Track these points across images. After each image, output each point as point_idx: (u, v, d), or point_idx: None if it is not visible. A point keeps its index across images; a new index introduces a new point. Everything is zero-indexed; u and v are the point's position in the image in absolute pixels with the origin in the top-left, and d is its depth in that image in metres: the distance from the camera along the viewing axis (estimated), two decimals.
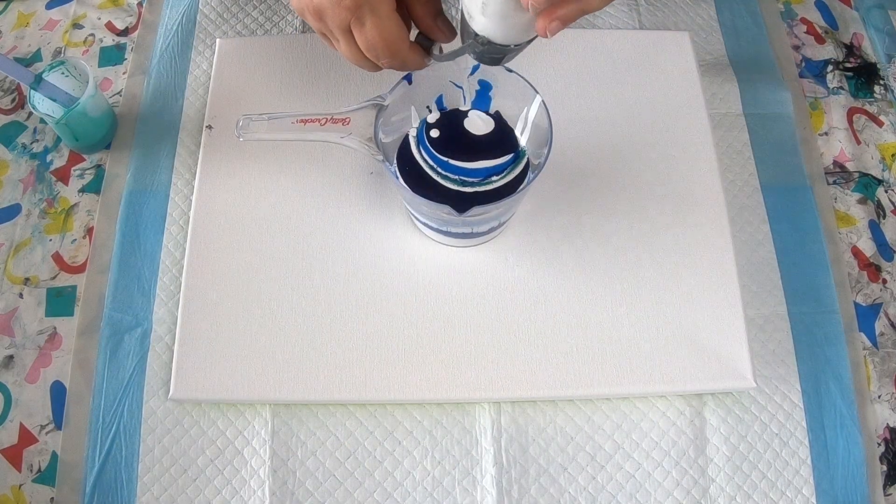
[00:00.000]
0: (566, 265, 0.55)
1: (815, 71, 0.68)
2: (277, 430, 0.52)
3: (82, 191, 0.61)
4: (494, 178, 0.49)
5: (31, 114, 0.64)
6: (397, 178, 0.49)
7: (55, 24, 0.69)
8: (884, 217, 0.62)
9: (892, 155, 0.64)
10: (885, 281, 0.59)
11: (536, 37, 0.41)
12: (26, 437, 0.53)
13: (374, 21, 0.42)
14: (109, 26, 0.69)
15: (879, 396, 0.55)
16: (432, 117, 0.51)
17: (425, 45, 0.46)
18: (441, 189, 0.49)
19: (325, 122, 0.49)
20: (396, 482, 0.51)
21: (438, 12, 0.45)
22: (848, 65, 0.69)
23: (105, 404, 0.53)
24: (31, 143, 0.63)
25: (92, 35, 0.68)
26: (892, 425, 0.54)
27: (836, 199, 0.62)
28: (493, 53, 0.43)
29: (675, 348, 0.52)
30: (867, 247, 0.60)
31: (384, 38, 0.43)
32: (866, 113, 0.66)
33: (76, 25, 0.69)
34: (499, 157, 0.50)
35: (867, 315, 0.58)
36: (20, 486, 0.52)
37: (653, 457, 0.52)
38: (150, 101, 0.64)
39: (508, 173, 0.50)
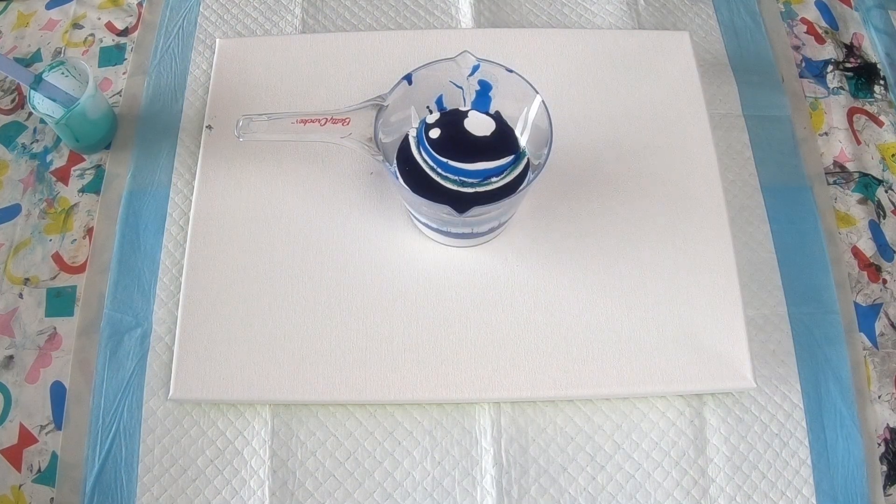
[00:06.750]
0: (566, 265, 0.55)
1: (815, 71, 0.68)
2: (277, 431, 0.52)
3: (82, 191, 0.61)
4: (494, 178, 0.49)
5: (31, 114, 0.64)
6: (397, 178, 0.49)
7: (55, 24, 0.69)
8: (884, 217, 0.62)
9: (893, 155, 0.64)
10: (885, 281, 0.59)
11: None
12: (26, 437, 0.53)
13: None
14: (109, 26, 0.69)
15: (879, 397, 0.55)
16: (432, 117, 0.51)
17: None
18: (441, 189, 0.49)
19: (325, 122, 0.49)
20: (396, 482, 0.51)
21: None
22: (848, 65, 0.69)
23: (105, 404, 0.53)
24: (31, 143, 0.63)
25: (92, 35, 0.68)
26: (892, 425, 0.54)
27: (836, 199, 0.62)
28: None
29: (675, 348, 0.52)
30: (867, 247, 0.60)
31: None
32: (866, 113, 0.66)
33: (76, 25, 0.69)
34: (499, 158, 0.49)
35: (867, 315, 0.58)
36: (20, 486, 0.52)
37: (653, 457, 0.52)
38: (150, 102, 0.64)
39: (508, 174, 0.50)
